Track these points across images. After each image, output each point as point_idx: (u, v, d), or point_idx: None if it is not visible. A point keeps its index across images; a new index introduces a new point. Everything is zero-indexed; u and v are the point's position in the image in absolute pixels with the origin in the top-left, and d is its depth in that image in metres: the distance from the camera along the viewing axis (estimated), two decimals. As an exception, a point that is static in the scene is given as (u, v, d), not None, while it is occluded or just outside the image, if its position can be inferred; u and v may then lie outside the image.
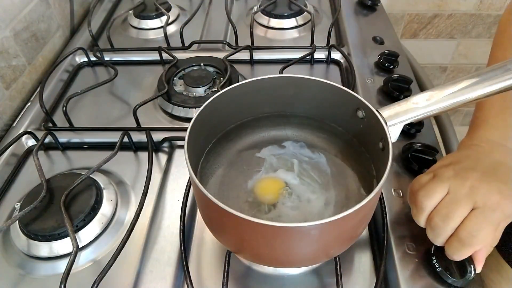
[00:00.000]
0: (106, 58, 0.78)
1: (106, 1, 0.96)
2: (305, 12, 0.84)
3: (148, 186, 0.52)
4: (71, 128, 0.63)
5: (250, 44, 0.76)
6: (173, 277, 0.46)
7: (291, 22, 0.84)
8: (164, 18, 0.85)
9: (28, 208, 0.47)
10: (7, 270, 0.47)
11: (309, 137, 0.50)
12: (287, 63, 0.69)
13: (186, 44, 0.78)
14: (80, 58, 0.78)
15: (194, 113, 0.57)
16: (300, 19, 0.85)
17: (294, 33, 0.84)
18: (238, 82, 0.46)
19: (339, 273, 0.42)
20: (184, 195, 0.52)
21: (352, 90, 0.44)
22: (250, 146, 0.50)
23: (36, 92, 0.71)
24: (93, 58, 0.77)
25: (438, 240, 0.40)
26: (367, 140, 0.45)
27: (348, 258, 0.47)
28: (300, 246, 0.37)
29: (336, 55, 0.75)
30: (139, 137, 0.60)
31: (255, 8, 0.85)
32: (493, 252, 0.62)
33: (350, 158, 0.47)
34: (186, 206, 0.51)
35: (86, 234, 0.48)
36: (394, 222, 0.48)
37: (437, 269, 0.42)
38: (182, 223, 0.49)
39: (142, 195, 0.50)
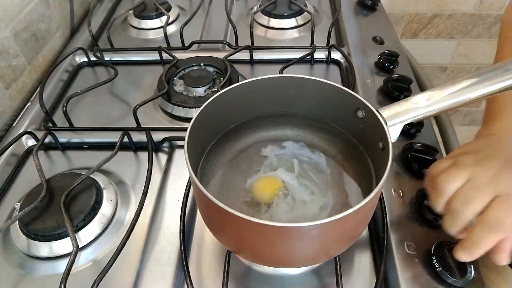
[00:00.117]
0: (106, 58, 0.78)
1: (106, 1, 0.96)
2: (305, 12, 0.84)
3: (148, 186, 0.52)
4: (71, 128, 0.63)
5: (250, 44, 0.76)
6: (173, 277, 0.46)
7: (291, 22, 0.84)
8: (164, 18, 0.85)
9: (28, 208, 0.47)
10: (7, 270, 0.47)
11: (309, 137, 0.50)
12: (287, 63, 0.69)
13: (186, 44, 0.78)
14: (80, 58, 0.78)
15: (194, 113, 0.57)
16: (300, 19, 0.85)
17: (294, 33, 0.84)
18: (238, 82, 0.46)
19: (339, 273, 0.42)
20: (184, 195, 0.52)
21: (352, 90, 0.44)
22: (250, 146, 0.50)
23: (36, 92, 0.71)
24: (93, 58, 0.77)
25: (455, 227, 0.38)
26: (367, 140, 0.45)
27: (348, 258, 0.47)
28: (300, 246, 0.37)
29: (336, 55, 0.75)
30: (139, 137, 0.60)
31: (255, 8, 0.85)
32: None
33: (350, 158, 0.47)
34: (186, 206, 0.51)
35: (86, 234, 0.48)
36: (394, 222, 0.48)
37: (437, 269, 0.42)
38: (182, 223, 0.49)
39: (142, 195, 0.50)
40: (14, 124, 0.66)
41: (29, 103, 0.70)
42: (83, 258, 0.48)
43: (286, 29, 0.84)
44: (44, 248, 0.47)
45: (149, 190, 0.52)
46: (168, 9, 0.88)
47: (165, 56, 0.75)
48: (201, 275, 0.46)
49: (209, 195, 0.34)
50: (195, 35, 0.84)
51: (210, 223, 0.42)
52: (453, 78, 1.41)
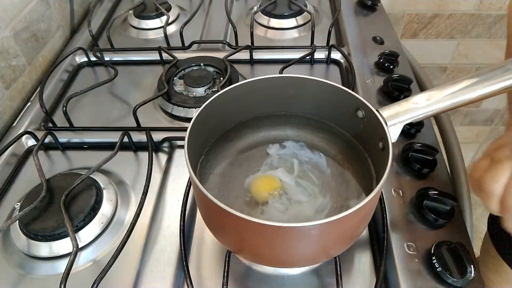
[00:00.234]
0: (106, 58, 0.78)
1: (106, 1, 0.96)
2: (305, 12, 0.84)
3: (148, 186, 0.52)
4: (71, 128, 0.63)
5: (250, 44, 0.76)
6: (173, 277, 0.46)
7: (291, 22, 0.84)
8: (164, 18, 0.85)
9: (28, 208, 0.47)
10: (7, 270, 0.47)
11: (309, 137, 0.50)
12: (287, 63, 0.69)
13: (186, 44, 0.78)
14: (80, 58, 0.78)
15: (194, 113, 0.57)
16: (300, 19, 0.85)
17: (294, 33, 0.84)
18: (238, 82, 0.46)
19: (339, 273, 0.42)
20: (184, 195, 0.52)
21: (352, 90, 0.44)
22: (250, 146, 0.50)
23: (36, 92, 0.71)
24: (93, 58, 0.77)
25: None
26: (367, 140, 0.45)
27: (348, 258, 0.47)
28: (300, 246, 0.37)
29: (336, 55, 0.75)
30: (139, 137, 0.60)
31: (255, 8, 0.85)
32: (492, 253, 0.62)
33: (350, 158, 0.47)
34: (186, 206, 0.51)
35: (86, 234, 0.48)
36: (394, 222, 0.48)
37: (437, 269, 0.42)
38: (182, 223, 0.49)
39: (142, 195, 0.50)
40: (14, 124, 0.66)
41: (29, 103, 0.70)
42: (83, 258, 0.48)
43: (286, 29, 0.84)
44: (44, 248, 0.47)
45: (149, 190, 0.52)
46: (168, 9, 0.88)
47: (165, 56, 0.75)
48: (201, 275, 0.46)
49: (209, 195, 0.34)
50: (195, 35, 0.84)
51: (210, 223, 0.42)
52: (453, 78, 1.41)
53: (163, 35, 0.78)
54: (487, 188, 0.38)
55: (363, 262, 0.47)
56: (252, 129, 0.51)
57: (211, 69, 0.72)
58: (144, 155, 0.60)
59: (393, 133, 0.40)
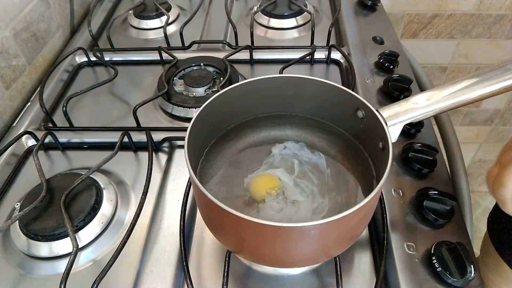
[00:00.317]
0: (106, 58, 0.78)
1: (106, 1, 0.96)
2: (305, 12, 0.84)
3: (148, 186, 0.52)
4: (71, 128, 0.63)
5: (250, 44, 0.76)
6: (173, 277, 0.46)
7: (291, 22, 0.84)
8: (164, 18, 0.85)
9: (28, 208, 0.47)
10: (7, 270, 0.47)
11: (309, 137, 0.50)
12: (287, 63, 0.69)
13: (186, 44, 0.78)
14: (80, 58, 0.78)
15: (194, 113, 0.57)
16: (300, 19, 0.85)
17: (294, 33, 0.84)
18: (238, 82, 0.46)
19: (339, 273, 0.42)
20: (184, 195, 0.52)
21: (352, 90, 0.44)
22: (250, 146, 0.50)
23: (36, 92, 0.71)
24: (93, 58, 0.77)
25: None
26: (367, 140, 0.45)
27: (348, 258, 0.47)
28: (300, 246, 0.37)
29: (336, 55, 0.75)
30: (139, 137, 0.60)
31: (255, 8, 0.85)
32: (492, 253, 0.62)
33: (350, 158, 0.47)
34: (186, 206, 0.51)
35: (86, 234, 0.48)
36: (394, 222, 0.48)
37: (437, 269, 0.42)
38: (182, 223, 0.49)
39: (142, 195, 0.50)
40: (14, 124, 0.66)
41: (29, 103, 0.70)
42: (83, 258, 0.48)
43: (286, 29, 0.84)
44: (44, 248, 0.47)
45: (149, 190, 0.52)
46: (168, 9, 0.88)
47: (165, 56, 0.75)
48: (201, 275, 0.46)
49: (209, 195, 0.34)
50: (195, 35, 0.84)
51: (210, 223, 0.42)
52: (453, 78, 1.41)
53: (163, 35, 0.78)
54: (498, 195, 0.38)
55: (363, 262, 0.47)
56: (252, 129, 0.51)
57: (211, 69, 0.72)
58: (144, 155, 0.60)
59: (393, 133, 0.40)
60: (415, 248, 0.45)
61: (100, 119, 0.66)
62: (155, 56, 0.76)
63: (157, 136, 0.60)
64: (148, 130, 0.60)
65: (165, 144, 0.61)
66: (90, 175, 0.51)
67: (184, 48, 0.78)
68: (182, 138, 0.54)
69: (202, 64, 0.72)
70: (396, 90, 0.64)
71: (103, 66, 0.78)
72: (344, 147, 0.48)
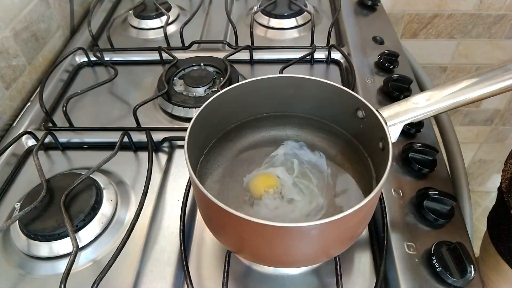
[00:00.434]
0: (106, 58, 0.78)
1: (106, 1, 0.96)
2: (305, 12, 0.84)
3: (148, 186, 0.52)
4: (71, 128, 0.63)
5: (250, 44, 0.76)
6: (173, 277, 0.46)
7: (291, 22, 0.84)
8: (164, 18, 0.85)
9: (28, 208, 0.47)
10: (7, 270, 0.47)
11: (309, 137, 0.50)
12: (287, 63, 0.69)
13: (186, 44, 0.78)
14: (80, 58, 0.78)
15: (194, 113, 0.57)
16: (300, 19, 0.85)
17: (294, 33, 0.84)
18: (238, 82, 0.46)
19: (339, 273, 0.42)
20: (184, 195, 0.52)
21: (352, 90, 0.44)
22: (250, 146, 0.50)
23: (36, 92, 0.71)
24: (93, 58, 0.77)
25: None
26: (367, 140, 0.45)
27: (348, 258, 0.47)
28: (300, 246, 0.37)
29: (336, 55, 0.75)
30: (139, 137, 0.60)
31: (255, 8, 0.85)
32: (492, 252, 0.62)
33: (350, 158, 0.47)
34: (186, 206, 0.51)
35: (86, 234, 0.48)
36: (394, 222, 0.48)
37: (437, 269, 0.42)
38: (182, 223, 0.49)
39: (142, 195, 0.50)
40: (14, 124, 0.66)
41: (29, 103, 0.70)
42: (83, 258, 0.48)
43: (286, 29, 0.84)
44: (44, 248, 0.47)
45: (149, 190, 0.52)
46: (168, 9, 0.88)
47: (165, 56, 0.75)
48: (201, 275, 0.46)
49: (209, 195, 0.34)
50: (195, 35, 0.84)
51: (210, 223, 0.42)
52: (453, 78, 1.41)
53: (163, 35, 0.78)
54: None
55: (363, 262, 0.47)
56: (252, 129, 0.51)
57: (211, 69, 0.72)
58: (144, 155, 0.60)
59: (393, 133, 0.40)
60: (415, 248, 0.45)
61: (100, 119, 0.66)
62: (155, 56, 0.76)
63: (157, 136, 0.60)
64: (148, 130, 0.60)
65: (165, 144, 0.61)
66: (90, 175, 0.51)
67: (184, 48, 0.78)
68: (182, 138, 0.54)
69: (202, 64, 0.72)
70: (396, 90, 0.64)
71: (103, 66, 0.78)
72: (344, 147, 0.48)
